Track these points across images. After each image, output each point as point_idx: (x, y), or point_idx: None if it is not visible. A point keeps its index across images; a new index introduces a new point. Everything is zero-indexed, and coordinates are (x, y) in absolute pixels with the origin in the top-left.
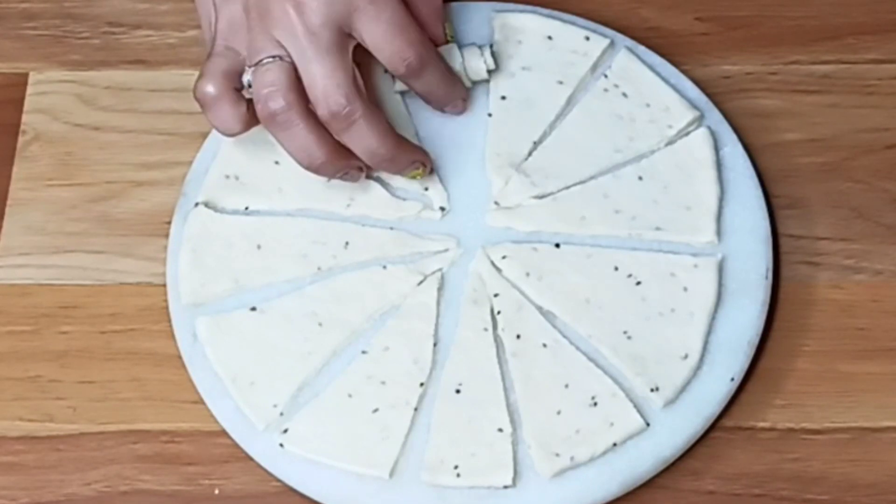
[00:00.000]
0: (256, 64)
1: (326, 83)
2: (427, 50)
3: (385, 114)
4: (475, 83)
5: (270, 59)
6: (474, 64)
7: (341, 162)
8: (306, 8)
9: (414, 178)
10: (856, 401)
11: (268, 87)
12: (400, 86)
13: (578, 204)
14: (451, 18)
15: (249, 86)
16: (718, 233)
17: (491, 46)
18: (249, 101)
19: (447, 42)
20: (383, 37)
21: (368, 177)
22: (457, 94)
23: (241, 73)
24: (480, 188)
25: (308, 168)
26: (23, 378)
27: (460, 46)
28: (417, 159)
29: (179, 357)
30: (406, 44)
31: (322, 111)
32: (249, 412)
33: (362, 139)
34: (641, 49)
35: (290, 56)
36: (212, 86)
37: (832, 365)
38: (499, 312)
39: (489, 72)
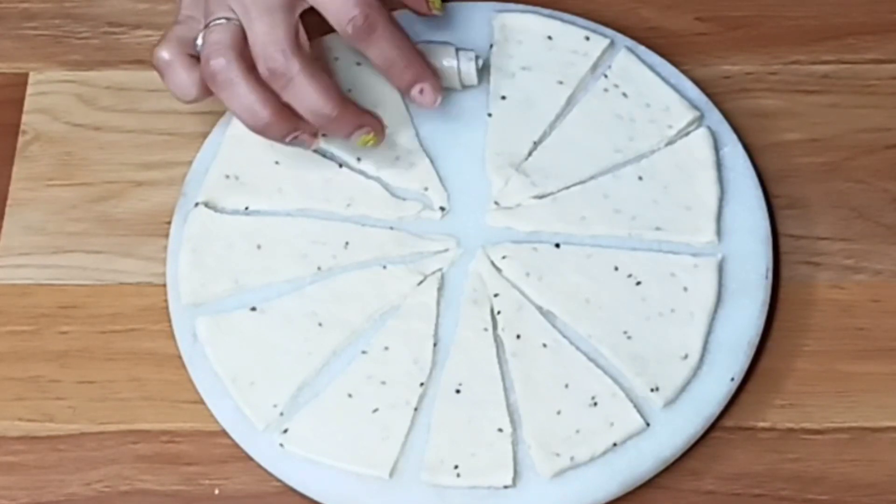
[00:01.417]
0: (206, 27)
1: (265, 40)
2: (375, 10)
3: (383, 115)
4: (465, 87)
5: (218, 21)
6: (467, 67)
7: (287, 123)
8: None
9: (365, 143)
10: (856, 401)
11: (211, 45)
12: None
13: (578, 204)
14: (452, 19)
15: (199, 51)
16: (718, 233)
17: (478, 59)
18: None
19: (431, 12)
20: None
21: (368, 177)
22: (419, 72)
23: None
24: (480, 188)
25: (255, 129)
26: (23, 378)
27: (457, 49)
28: (366, 123)
29: (179, 357)
30: (353, 1)
31: (261, 68)
32: (249, 412)
33: (304, 97)
34: (641, 49)
35: (238, 19)
36: (166, 51)
37: (832, 365)
38: (499, 312)
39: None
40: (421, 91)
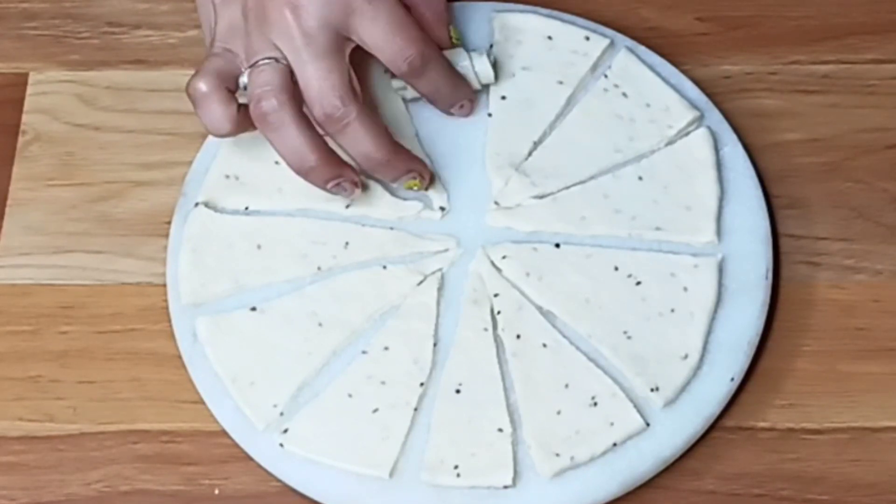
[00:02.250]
0: (252, 66)
1: (322, 84)
2: (428, 47)
3: (383, 116)
4: (484, 86)
5: (266, 61)
6: (483, 67)
7: (334, 168)
8: (302, 11)
9: (410, 188)
10: (856, 401)
11: (261, 87)
12: (397, 84)
13: (578, 204)
14: (453, 19)
15: (245, 88)
16: (718, 233)
17: (490, 49)
18: (243, 107)
19: (453, 46)
20: (383, 37)
21: (368, 177)
22: (463, 93)
23: (236, 76)
24: (480, 188)
25: (299, 172)
26: (23, 378)
27: (467, 50)
28: (415, 169)
29: (179, 357)
30: (407, 42)
31: (317, 112)
32: (249, 412)
33: (357, 142)
34: (641, 49)
35: (286, 59)
36: (204, 83)
37: (832, 365)
38: (499, 312)
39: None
40: (461, 107)
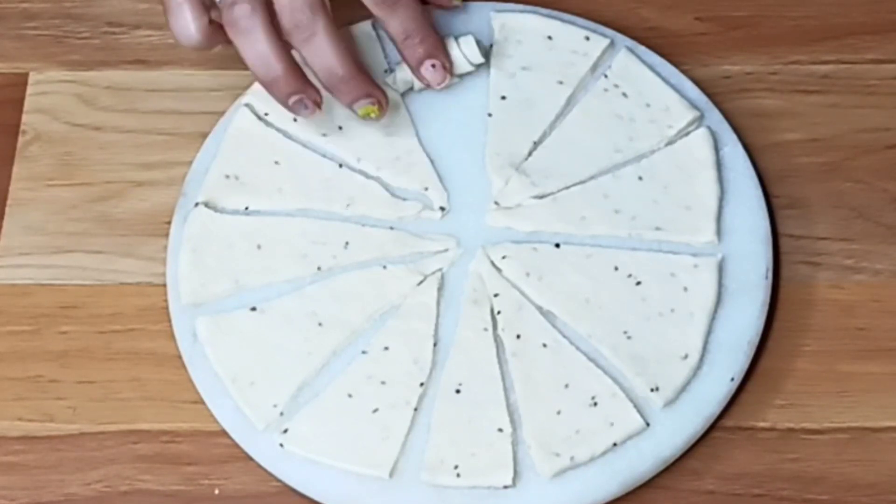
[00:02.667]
0: None
1: None
2: None
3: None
4: (469, 73)
5: None
6: (469, 48)
7: (296, 82)
8: None
9: (368, 114)
10: (856, 401)
11: None
12: (392, 78)
13: (578, 204)
14: (452, 19)
15: (219, 0)
16: (718, 233)
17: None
18: (214, 23)
19: (451, 4)
20: None
21: (368, 177)
22: (434, 48)
23: None
24: (480, 188)
25: (264, 81)
26: (23, 378)
27: (455, 37)
28: (374, 94)
29: (179, 357)
30: None
31: (285, 21)
32: (249, 412)
33: (322, 54)
34: (641, 49)
35: None
36: None
37: (832, 365)
38: (499, 312)
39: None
40: (433, 66)
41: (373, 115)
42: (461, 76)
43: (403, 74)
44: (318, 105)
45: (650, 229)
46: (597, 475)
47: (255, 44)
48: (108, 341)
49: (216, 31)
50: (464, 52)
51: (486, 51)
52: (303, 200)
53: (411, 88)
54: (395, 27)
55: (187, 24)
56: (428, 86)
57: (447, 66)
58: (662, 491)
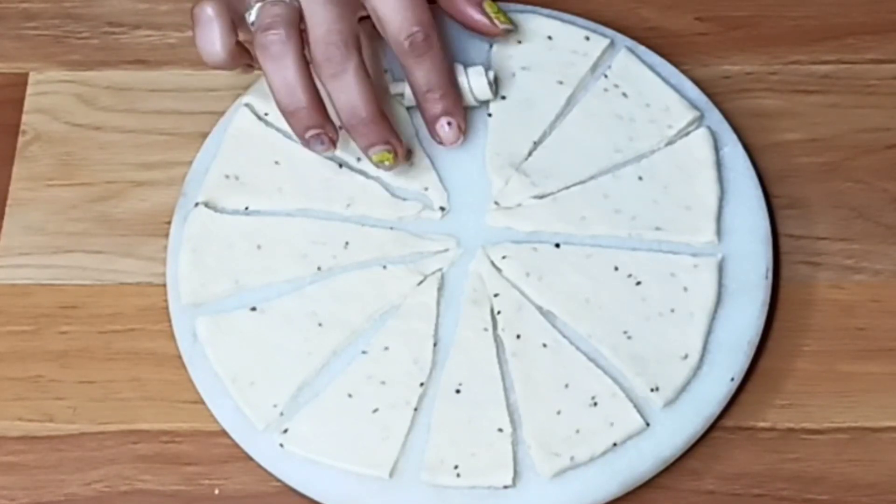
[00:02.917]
0: (263, 1)
1: (329, 27)
2: (434, 32)
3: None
4: (479, 104)
5: None
6: (478, 82)
7: (317, 115)
8: None
9: (382, 161)
10: (856, 401)
11: (271, 17)
12: (396, 90)
13: (578, 204)
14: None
15: (252, 24)
16: (718, 233)
17: (489, 72)
18: (240, 44)
19: (500, 29)
20: (394, 7)
21: (368, 177)
22: (454, 105)
23: (242, 12)
24: (480, 188)
25: (286, 110)
26: (23, 378)
27: (465, 66)
28: (392, 142)
29: (179, 357)
30: (415, 18)
31: (318, 53)
32: (249, 412)
33: (349, 92)
34: (641, 49)
35: (297, 2)
36: (211, 8)
37: (832, 365)
38: (499, 312)
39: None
40: (448, 124)
41: (387, 162)
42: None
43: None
44: (334, 144)
45: (650, 229)
46: (597, 475)
47: (283, 70)
48: (108, 341)
49: (242, 52)
50: (471, 85)
51: (494, 86)
52: (303, 200)
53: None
54: (419, 78)
55: (214, 43)
56: (440, 143)
57: (462, 127)
58: (662, 491)
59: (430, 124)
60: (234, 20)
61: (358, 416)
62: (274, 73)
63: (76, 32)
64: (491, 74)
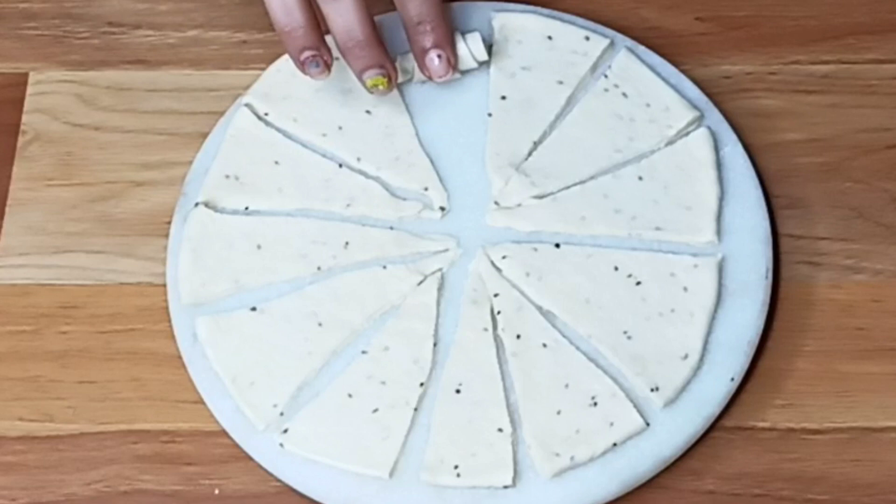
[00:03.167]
0: None
1: None
2: None
3: (383, 115)
4: (471, 71)
5: None
6: (475, 45)
7: (315, 37)
8: None
9: (376, 85)
10: (856, 401)
11: None
12: (399, 76)
13: (578, 204)
14: (452, 19)
15: None
16: (718, 233)
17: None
18: None
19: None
20: None
21: (368, 177)
22: (445, 38)
23: None
24: (480, 188)
25: (282, 29)
26: (23, 378)
27: (462, 33)
28: (387, 65)
29: (179, 357)
30: None
31: None
32: (249, 412)
33: (345, 14)
34: (641, 49)
35: None
36: None
37: (832, 365)
38: (499, 312)
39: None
40: (438, 56)
41: (381, 86)
42: (463, 72)
43: (403, 63)
44: (329, 67)
45: (650, 229)
46: (597, 475)
47: None
48: (108, 341)
49: None
50: (470, 48)
51: (489, 49)
52: (303, 200)
53: (410, 79)
54: (411, 10)
55: None
56: (429, 77)
57: (452, 61)
58: (662, 491)
59: (420, 57)
60: None
61: (358, 416)
62: None
63: (76, 32)
64: (483, 40)
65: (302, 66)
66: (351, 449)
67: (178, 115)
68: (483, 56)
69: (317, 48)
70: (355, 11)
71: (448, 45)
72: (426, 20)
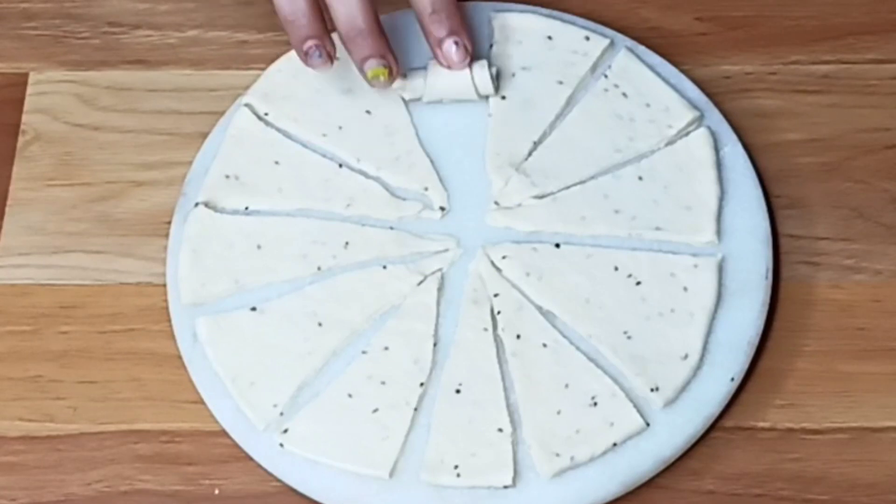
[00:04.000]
0: None
1: None
2: None
3: (383, 116)
4: (480, 98)
5: None
6: (480, 75)
7: (318, 26)
8: None
9: (377, 76)
10: (856, 401)
11: None
12: (408, 94)
13: (578, 204)
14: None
15: None
16: (718, 233)
17: (491, 67)
18: None
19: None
20: None
21: (368, 177)
22: (460, 25)
23: None
24: (480, 188)
25: (285, 18)
26: (23, 378)
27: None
28: (388, 56)
29: (179, 357)
30: None
31: None
32: (249, 412)
33: (347, 3)
34: (641, 49)
35: None
36: None
37: (832, 365)
38: (499, 312)
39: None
40: (455, 44)
41: (381, 77)
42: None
43: (412, 82)
44: (331, 58)
45: (650, 229)
46: (597, 475)
47: None
48: (108, 341)
49: None
50: (474, 77)
51: (496, 81)
52: (303, 200)
53: (419, 99)
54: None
55: None
56: (447, 66)
57: (468, 48)
58: (662, 491)
59: (436, 46)
60: None
61: (358, 416)
62: None
63: (76, 32)
64: (493, 70)
65: (305, 55)
66: (351, 449)
67: (178, 115)
68: (487, 90)
69: (320, 37)
70: (358, 0)
71: (464, 32)
72: (440, 9)
